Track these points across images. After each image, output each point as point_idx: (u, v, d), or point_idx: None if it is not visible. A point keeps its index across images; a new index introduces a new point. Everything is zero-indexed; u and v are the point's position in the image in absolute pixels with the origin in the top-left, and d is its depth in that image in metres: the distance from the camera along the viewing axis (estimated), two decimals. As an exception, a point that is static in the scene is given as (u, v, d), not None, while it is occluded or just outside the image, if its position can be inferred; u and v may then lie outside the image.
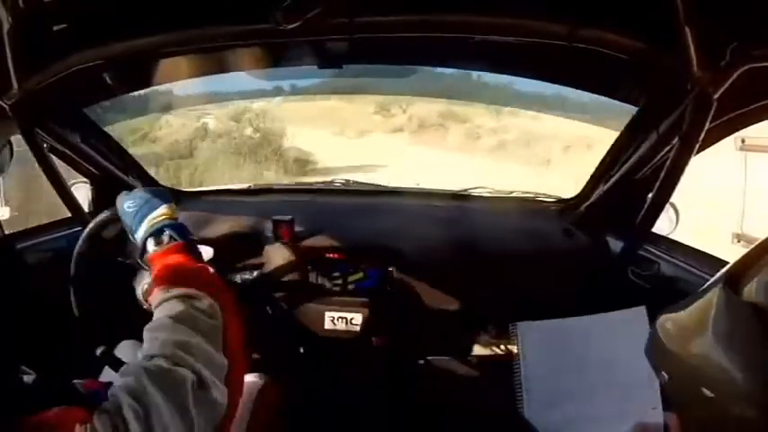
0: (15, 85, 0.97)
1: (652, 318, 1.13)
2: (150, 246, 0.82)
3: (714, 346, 0.39)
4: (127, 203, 0.87)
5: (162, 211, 0.85)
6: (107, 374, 1.02)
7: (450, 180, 2.37)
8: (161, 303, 0.72)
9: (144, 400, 0.58)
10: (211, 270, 0.79)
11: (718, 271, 0.43)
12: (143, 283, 1.08)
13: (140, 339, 1.06)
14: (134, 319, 1.07)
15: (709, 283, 0.43)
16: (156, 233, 0.83)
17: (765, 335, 0.35)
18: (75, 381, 0.68)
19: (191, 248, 0.82)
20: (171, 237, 0.82)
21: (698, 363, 0.43)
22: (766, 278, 0.37)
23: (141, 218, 0.85)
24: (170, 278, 0.75)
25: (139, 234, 0.84)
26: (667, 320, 0.50)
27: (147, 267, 0.84)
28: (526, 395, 1.07)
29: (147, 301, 0.78)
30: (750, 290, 0.38)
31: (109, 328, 1.10)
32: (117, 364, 1.02)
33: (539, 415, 1.06)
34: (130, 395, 0.58)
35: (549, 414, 1.05)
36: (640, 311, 1.08)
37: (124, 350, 1.11)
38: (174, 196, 1.64)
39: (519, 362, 1.10)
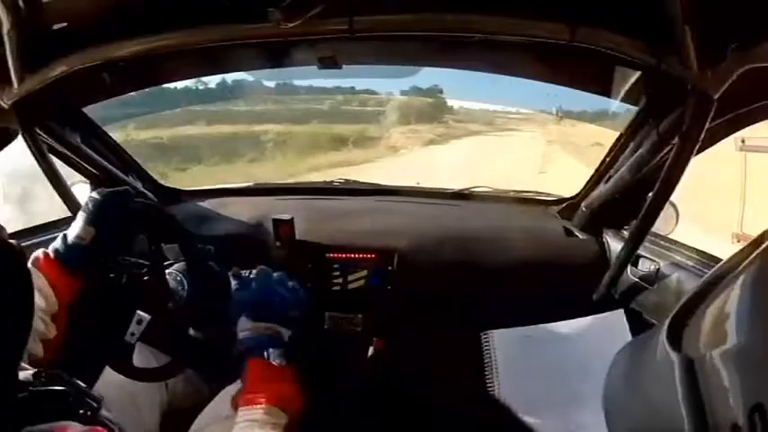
0: (15, 85, 0.97)
1: (649, 320, 1.14)
2: (259, 353, 0.82)
3: (654, 401, 0.37)
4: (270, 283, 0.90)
5: (283, 332, 0.86)
6: (106, 374, 1.02)
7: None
8: (265, 423, 0.75)
9: None
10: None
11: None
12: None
13: (144, 341, 1.07)
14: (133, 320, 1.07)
15: (657, 328, 0.40)
16: (274, 346, 0.83)
17: (698, 389, 0.32)
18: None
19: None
20: (282, 354, 0.83)
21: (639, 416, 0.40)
22: (707, 329, 0.34)
23: (262, 315, 0.85)
24: (280, 404, 0.78)
25: (247, 330, 0.84)
26: (616, 365, 0.48)
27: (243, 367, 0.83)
28: (500, 399, 1.08)
29: (234, 399, 0.80)
30: (689, 342, 0.35)
31: (108, 328, 1.10)
32: (119, 366, 1.02)
33: (515, 422, 1.07)
34: None
35: (526, 422, 1.06)
36: (618, 315, 1.09)
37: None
38: (175, 196, 1.66)
39: (492, 372, 1.12)
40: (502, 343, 1.15)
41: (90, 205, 0.92)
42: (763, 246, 0.34)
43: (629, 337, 1.08)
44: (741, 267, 0.35)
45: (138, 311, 1.01)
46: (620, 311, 1.11)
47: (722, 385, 0.30)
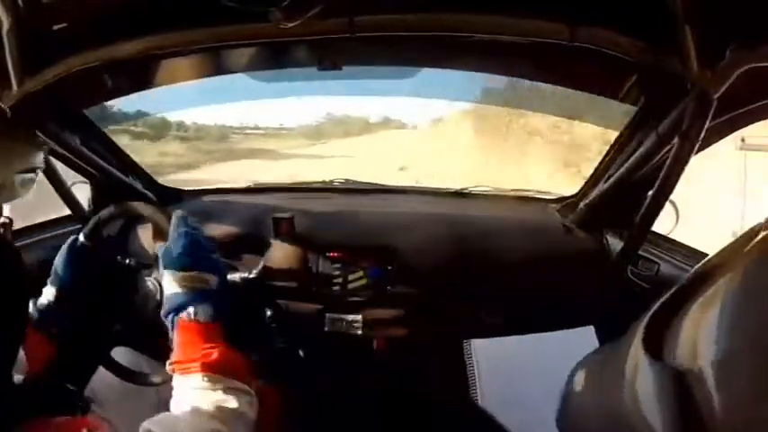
0: (15, 86, 0.97)
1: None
2: (185, 311, 0.79)
3: (630, 413, 0.33)
4: (179, 233, 0.84)
5: (210, 279, 0.82)
6: (98, 375, 1.02)
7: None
8: (204, 390, 0.73)
9: None
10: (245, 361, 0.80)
11: None
12: (147, 283, 1.06)
13: (135, 341, 1.07)
14: (131, 321, 1.07)
15: (628, 334, 0.37)
16: (198, 301, 0.79)
17: (681, 405, 0.29)
18: None
19: (228, 331, 0.81)
20: (213, 315, 0.79)
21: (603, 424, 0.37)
22: (689, 336, 0.31)
23: (185, 263, 0.81)
24: (216, 368, 0.74)
25: (172, 286, 0.81)
26: (579, 378, 0.44)
27: (167, 321, 0.81)
28: (482, 403, 1.10)
29: (170, 368, 0.77)
30: (670, 350, 0.32)
31: (107, 328, 1.10)
32: (114, 367, 1.03)
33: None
34: None
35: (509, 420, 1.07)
36: (589, 331, 1.13)
37: (119, 352, 1.11)
38: (175, 196, 1.66)
39: (474, 377, 1.13)
40: (482, 352, 1.17)
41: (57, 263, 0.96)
42: (749, 246, 0.32)
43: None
44: (721, 271, 0.32)
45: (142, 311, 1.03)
46: (591, 328, 1.14)
47: (711, 399, 0.27)
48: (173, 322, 0.79)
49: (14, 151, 0.97)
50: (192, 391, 0.73)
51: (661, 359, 0.32)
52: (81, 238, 1.00)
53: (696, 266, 0.35)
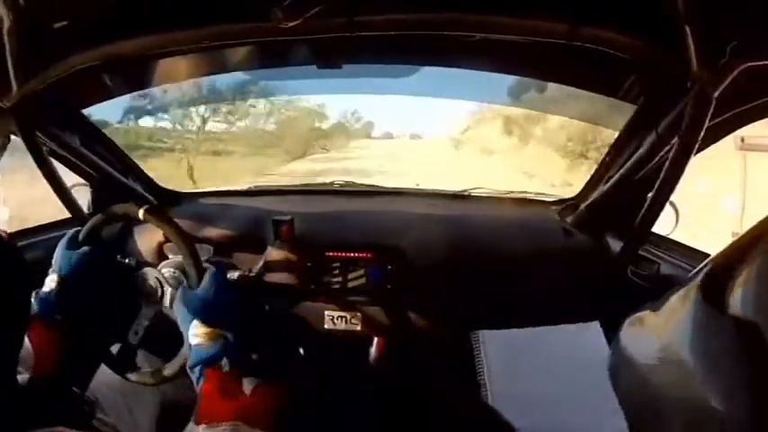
0: (15, 87, 0.97)
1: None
2: (227, 365, 0.79)
3: (686, 363, 0.33)
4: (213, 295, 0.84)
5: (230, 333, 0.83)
6: (100, 376, 1.02)
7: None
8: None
9: None
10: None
11: None
12: (147, 281, 1.06)
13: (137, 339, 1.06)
14: (131, 321, 1.07)
15: (686, 287, 0.37)
16: (225, 353, 0.80)
17: (750, 356, 0.29)
18: None
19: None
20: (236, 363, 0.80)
21: (664, 378, 0.37)
22: (752, 288, 0.31)
23: (211, 319, 0.82)
24: (243, 419, 0.74)
25: (197, 338, 0.81)
26: (634, 326, 0.45)
27: (193, 374, 0.81)
28: (491, 400, 1.09)
29: (196, 417, 0.77)
30: (734, 300, 0.32)
31: (106, 328, 1.10)
32: (114, 365, 1.02)
33: (504, 419, 1.08)
34: None
35: (514, 419, 1.07)
36: (595, 326, 1.13)
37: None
38: (175, 198, 1.66)
39: (482, 369, 1.12)
40: (491, 343, 1.16)
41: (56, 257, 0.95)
42: None
43: (604, 345, 1.10)
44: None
45: (143, 310, 1.02)
46: (596, 323, 1.14)
47: None
48: (201, 374, 0.79)
49: None
50: None
51: (725, 312, 0.32)
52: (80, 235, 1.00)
53: (757, 223, 0.35)
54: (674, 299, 0.37)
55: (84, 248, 0.96)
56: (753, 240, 0.34)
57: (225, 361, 0.79)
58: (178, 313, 0.85)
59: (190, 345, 0.81)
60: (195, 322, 0.81)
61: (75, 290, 0.92)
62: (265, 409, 0.78)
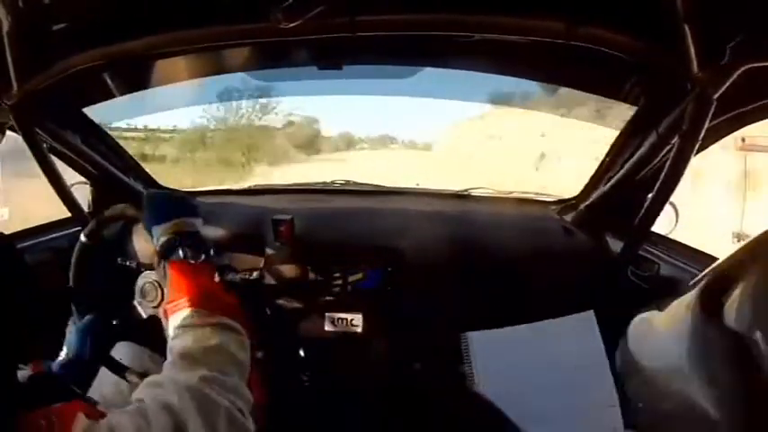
0: (15, 85, 0.97)
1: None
2: (176, 254, 0.80)
3: (684, 369, 0.34)
4: (158, 201, 0.87)
5: (194, 222, 0.85)
6: (102, 374, 1.02)
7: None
8: (193, 326, 0.72)
9: (180, 417, 0.59)
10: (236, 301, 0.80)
11: None
12: (145, 282, 1.06)
13: (136, 340, 1.07)
14: (131, 321, 1.07)
15: (689, 295, 0.37)
16: (185, 243, 0.80)
17: (743, 367, 0.30)
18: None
19: (221, 272, 0.82)
20: (200, 253, 0.81)
21: (665, 380, 0.38)
22: (748, 304, 0.32)
23: (167, 216, 0.83)
24: (204, 303, 0.74)
25: (161, 236, 0.82)
26: (641, 325, 0.45)
27: (160, 270, 0.82)
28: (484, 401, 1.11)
29: (162, 310, 0.77)
30: (730, 313, 0.33)
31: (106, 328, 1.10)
32: (114, 365, 1.03)
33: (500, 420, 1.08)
34: (165, 409, 0.60)
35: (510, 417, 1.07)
36: (589, 316, 1.15)
37: (121, 351, 1.11)
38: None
39: (471, 371, 1.15)
40: (479, 344, 1.18)
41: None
42: None
43: (598, 336, 1.12)
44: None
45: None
46: (590, 312, 1.15)
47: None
48: (164, 268, 0.80)
49: None
50: (181, 330, 0.72)
51: (721, 324, 0.33)
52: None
53: (756, 235, 0.36)
54: (676, 305, 0.38)
55: (84, 322, 0.97)
56: (749, 255, 0.35)
57: (185, 250, 0.80)
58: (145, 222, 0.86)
59: (156, 249, 0.83)
60: (154, 228, 0.83)
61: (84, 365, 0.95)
62: (231, 302, 0.78)
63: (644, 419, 0.44)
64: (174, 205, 0.87)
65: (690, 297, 0.36)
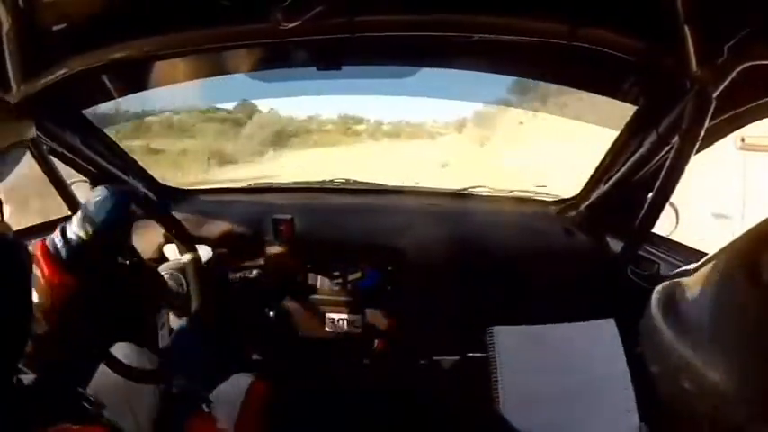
0: (15, 86, 0.97)
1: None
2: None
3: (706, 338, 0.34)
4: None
5: None
6: (101, 374, 1.02)
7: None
8: None
9: None
10: None
11: None
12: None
13: (136, 340, 1.07)
14: (130, 321, 1.07)
15: (718, 260, 0.36)
16: None
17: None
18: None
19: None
20: None
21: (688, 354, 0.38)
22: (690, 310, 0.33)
23: None
24: None
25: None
26: (667, 291, 0.45)
27: None
28: (503, 397, 1.11)
29: None
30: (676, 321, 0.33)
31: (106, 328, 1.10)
32: (115, 364, 1.03)
33: (515, 416, 1.08)
34: None
35: (525, 416, 1.07)
36: (610, 323, 1.15)
37: (120, 352, 1.11)
38: (176, 195, 1.66)
39: (495, 365, 1.14)
40: (505, 339, 1.17)
41: (92, 205, 0.91)
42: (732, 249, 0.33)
43: (619, 344, 1.12)
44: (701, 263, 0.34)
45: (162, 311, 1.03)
46: (611, 320, 1.16)
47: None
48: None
49: (4, 125, 0.94)
50: None
51: (757, 282, 0.33)
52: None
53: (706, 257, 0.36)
54: (708, 270, 0.37)
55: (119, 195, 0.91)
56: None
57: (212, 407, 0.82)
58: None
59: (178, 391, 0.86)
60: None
61: (103, 246, 0.90)
62: None
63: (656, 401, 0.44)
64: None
65: (721, 261, 0.35)
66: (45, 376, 0.83)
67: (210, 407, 0.94)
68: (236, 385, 0.99)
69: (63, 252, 0.86)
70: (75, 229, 0.88)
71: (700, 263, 0.36)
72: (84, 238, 0.88)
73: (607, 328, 1.15)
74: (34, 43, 0.92)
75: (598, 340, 1.13)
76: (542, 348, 1.14)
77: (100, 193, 0.91)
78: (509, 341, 1.16)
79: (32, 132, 0.97)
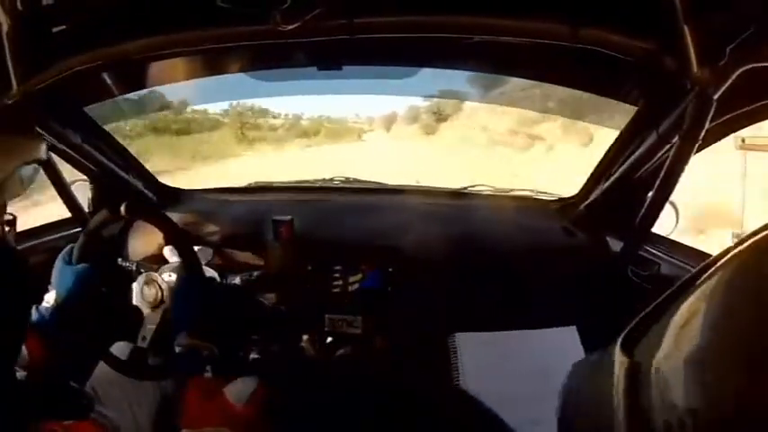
0: (15, 85, 0.97)
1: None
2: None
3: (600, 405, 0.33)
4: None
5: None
6: (99, 372, 1.03)
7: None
8: None
9: None
10: None
11: None
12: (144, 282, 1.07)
13: (135, 340, 1.07)
14: (130, 321, 1.07)
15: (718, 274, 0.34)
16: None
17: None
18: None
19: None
20: None
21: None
22: (667, 337, 0.31)
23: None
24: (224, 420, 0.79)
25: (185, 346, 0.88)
26: (578, 375, 0.45)
27: None
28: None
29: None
30: (640, 349, 0.33)
31: (106, 328, 1.10)
32: (114, 363, 1.03)
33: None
34: None
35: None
36: (572, 330, 1.17)
37: (119, 351, 1.11)
38: (175, 195, 1.66)
39: (457, 371, 1.16)
40: (467, 345, 1.20)
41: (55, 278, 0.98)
42: (724, 259, 0.32)
43: (581, 351, 1.13)
44: (701, 280, 0.32)
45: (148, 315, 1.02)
46: (573, 328, 1.17)
47: (663, 390, 0.28)
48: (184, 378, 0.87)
49: (16, 144, 0.96)
50: None
51: (631, 356, 0.33)
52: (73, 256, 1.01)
53: (677, 282, 0.35)
54: (709, 286, 0.34)
55: (78, 267, 0.98)
56: (673, 297, 0.34)
57: (209, 369, 0.81)
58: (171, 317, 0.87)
59: (177, 353, 0.84)
60: (182, 333, 0.85)
61: (70, 308, 0.95)
62: (252, 415, 0.79)
63: None
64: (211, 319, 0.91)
65: (725, 275, 0.32)
66: (39, 374, 0.83)
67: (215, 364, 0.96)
68: (240, 389, 1.00)
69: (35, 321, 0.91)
70: (46, 301, 0.95)
71: (696, 273, 0.34)
72: (52, 308, 0.94)
73: (569, 336, 1.16)
74: (34, 42, 0.92)
75: (560, 347, 1.13)
76: (504, 354, 1.15)
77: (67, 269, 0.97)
78: (471, 347, 1.18)
79: (44, 153, 1.00)
